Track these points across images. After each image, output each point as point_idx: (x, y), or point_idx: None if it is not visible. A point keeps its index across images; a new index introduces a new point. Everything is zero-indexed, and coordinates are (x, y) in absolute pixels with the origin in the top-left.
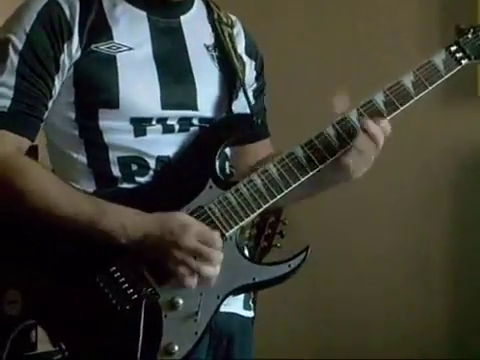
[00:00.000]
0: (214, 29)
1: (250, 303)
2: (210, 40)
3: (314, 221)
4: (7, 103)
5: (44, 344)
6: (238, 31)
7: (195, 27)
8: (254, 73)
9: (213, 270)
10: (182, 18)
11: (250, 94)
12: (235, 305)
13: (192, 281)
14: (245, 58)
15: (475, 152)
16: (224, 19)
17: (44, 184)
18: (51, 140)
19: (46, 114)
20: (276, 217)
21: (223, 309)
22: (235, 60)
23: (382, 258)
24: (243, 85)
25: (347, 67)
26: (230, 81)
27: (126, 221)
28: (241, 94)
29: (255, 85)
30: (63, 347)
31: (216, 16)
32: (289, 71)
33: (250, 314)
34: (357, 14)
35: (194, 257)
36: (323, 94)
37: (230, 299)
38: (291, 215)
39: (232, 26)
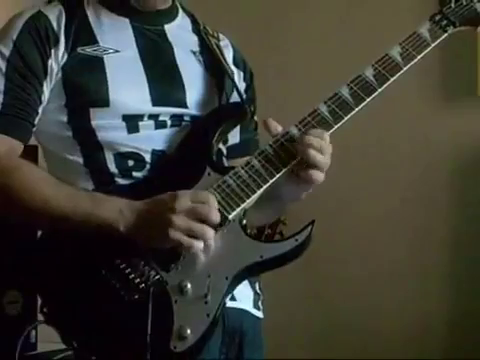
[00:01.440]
0: (200, 39)
1: (259, 304)
2: (196, 47)
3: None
4: None
5: (44, 344)
6: (226, 44)
7: (180, 35)
8: (243, 84)
9: (211, 231)
10: (166, 27)
11: None
12: (246, 302)
13: (196, 244)
14: (234, 69)
15: (475, 152)
16: (210, 31)
17: (39, 182)
18: (46, 147)
19: (37, 120)
20: None
21: (234, 305)
22: (224, 64)
23: (382, 258)
24: (234, 83)
25: (348, 67)
26: (219, 84)
27: (121, 206)
28: (232, 100)
29: (245, 97)
30: (75, 345)
31: (202, 27)
32: (289, 71)
33: (260, 314)
34: (357, 12)
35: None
36: (324, 92)
37: (240, 295)
38: (291, 215)
39: (218, 38)
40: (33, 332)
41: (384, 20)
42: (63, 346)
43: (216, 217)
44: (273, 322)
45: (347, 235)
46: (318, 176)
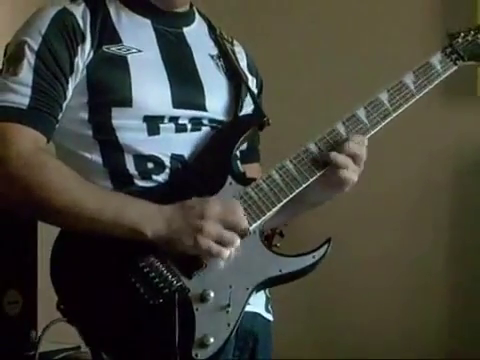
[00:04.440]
0: (217, 43)
1: (269, 307)
2: (214, 51)
3: (314, 222)
4: (26, 101)
5: (44, 344)
6: (239, 50)
7: (198, 39)
8: (255, 91)
9: (239, 239)
10: (185, 29)
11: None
12: (258, 305)
13: (224, 251)
14: (248, 75)
15: (475, 152)
16: (225, 36)
17: (68, 181)
18: (63, 144)
19: (60, 115)
20: None
21: (248, 308)
22: (239, 70)
23: (382, 259)
24: (250, 89)
25: (349, 74)
26: (236, 89)
27: (150, 211)
28: (245, 105)
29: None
30: (98, 348)
31: (218, 32)
32: (291, 76)
33: (270, 317)
34: (358, 20)
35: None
36: (326, 100)
37: (253, 299)
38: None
39: (233, 44)
40: (33, 332)
41: (385, 21)
42: (63, 346)
43: (246, 225)
44: (274, 322)
45: (345, 236)
46: (353, 179)
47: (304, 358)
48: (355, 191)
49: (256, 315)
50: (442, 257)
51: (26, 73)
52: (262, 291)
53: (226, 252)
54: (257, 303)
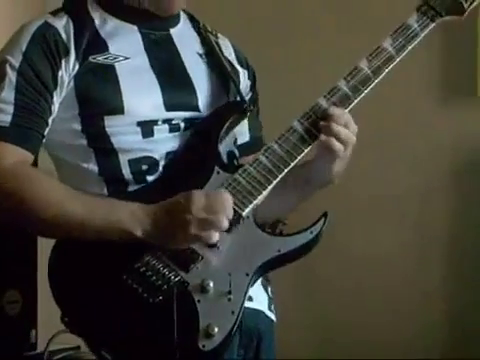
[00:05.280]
0: (202, 37)
1: (272, 307)
2: (201, 49)
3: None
4: (8, 118)
5: (44, 344)
6: (225, 44)
7: (185, 38)
8: (248, 82)
9: (226, 220)
10: (172, 31)
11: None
12: (261, 303)
13: (213, 234)
14: (238, 67)
15: (475, 152)
16: (209, 29)
17: (54, 191)
18: (59, 156)
19: (46, 130)
20: None
21: (250, 305)
22: (225, 64)
23: (381, 257)
24: (233, 79)
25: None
26: (224, 84)
27: (136, 211)
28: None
29: (250, 95)
30: (104, 353)
31: (202, 25)
32: (291, 76)
33: (273, 317)
34: (358, 19)
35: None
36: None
37: (256, 296)
38: (291, 215)
39: (217, 36)
40: (33, 332)
41: (385, 20)
42: (63, 346)
43: (230, 210)
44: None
45: (345, 235)
46: (340, 147)
47: (302, 358)
48: (355, 190)
49: (259, 312)
50: (442, 255)
51: (8, 92)
52: (264, 291)
53: (215, 234)
54: (260, 302)
